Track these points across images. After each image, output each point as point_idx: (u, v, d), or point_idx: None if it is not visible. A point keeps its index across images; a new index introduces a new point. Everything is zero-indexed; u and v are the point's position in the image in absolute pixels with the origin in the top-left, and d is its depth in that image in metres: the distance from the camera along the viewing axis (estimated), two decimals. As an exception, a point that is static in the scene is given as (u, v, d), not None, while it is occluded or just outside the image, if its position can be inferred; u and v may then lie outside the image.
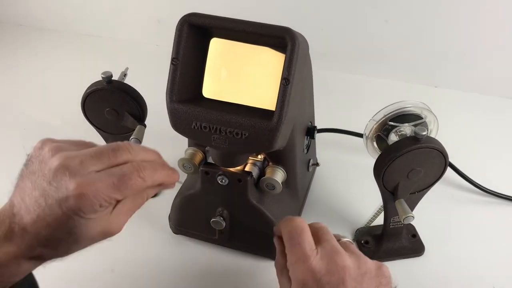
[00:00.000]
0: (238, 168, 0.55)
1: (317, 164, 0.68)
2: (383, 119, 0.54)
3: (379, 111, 0.54)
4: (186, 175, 0.62)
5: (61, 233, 0.38)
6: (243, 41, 0.50)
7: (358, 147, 0.77)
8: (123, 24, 1.15)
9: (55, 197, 0.37)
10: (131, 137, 0.59)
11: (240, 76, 0.51)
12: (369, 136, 0.55)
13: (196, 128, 0.49)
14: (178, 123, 0.50)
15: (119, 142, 0.41)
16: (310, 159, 0.66)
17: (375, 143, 0.56)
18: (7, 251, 0.38)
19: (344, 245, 0.45)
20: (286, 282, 0.44)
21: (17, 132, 0.87)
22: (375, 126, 0.54)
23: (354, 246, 0.46)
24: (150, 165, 0.41)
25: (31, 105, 0.95)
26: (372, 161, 0.53)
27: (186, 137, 0.51)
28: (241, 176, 0.54)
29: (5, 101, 0.97)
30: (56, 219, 0.37)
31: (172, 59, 0.49)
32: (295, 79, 0.46)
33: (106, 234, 0.41)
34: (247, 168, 0.56)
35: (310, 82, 0.58)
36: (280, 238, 0.46)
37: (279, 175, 0.56)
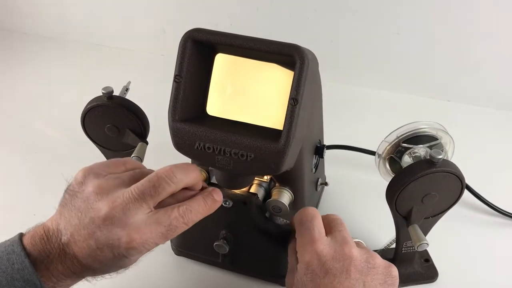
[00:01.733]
0: (243, 189, 0.53)
1: (325, 184, 0.66)
2: (396, 140, 0.51)
3: (391, 132, 0.52)
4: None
5: (112, 268, 0.42)
6: (249, 57, 0.48)
7: (368, 164, 0.74)
8: (128, 34, 1.14)
9: (106, 243, 0.39)
10: (132, 155, 0.57)
11: (246, 93, 0.49)
12: (382, 158, 0.53)
13: (199, 148, 0.47)
14: (181, 143, 0.48)
15: (159, 173, 0.42)
16: (318, 178, 0.64)
17: (387, 165, 0.54)
18: (57, 268, 0.40)
19: (355, 243, 0.45)
20: (294, 262, 0.45)
21: (17, 144, 0.86)
22: (387, 148, 0.52)
23: (365, 245, 0.46)
24: (194, 208, 0.44)
25: (32, 116, 0.94)
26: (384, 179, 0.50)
27: (189, 157, 0.49)
28: (246, 199, 0.52)
29: (5, 111, 0.95)
30: (108, 259, 0.40)
31: (175, 77, 0.47)
32: (303, 99, 0.44)
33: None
34: (252, 190, 0.54)
35: (319, 99, 0.56)
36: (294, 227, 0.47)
37: (285, 197, 0.53)
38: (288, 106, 0.44)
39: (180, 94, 0.47)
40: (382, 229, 0.65)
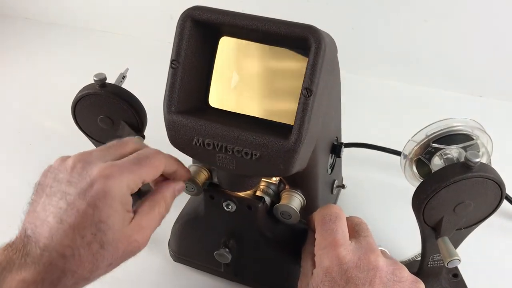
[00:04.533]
0: (248, 192, 0.48)
1: (342, 186, 0.61)
2: (425, 140, 0.46)
3: (420, 130, 0.46)
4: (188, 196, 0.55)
5: (86, 233, 0.36)
6: (258, 41, 0.43)
7: (391, 165, 0.69)
8: (133, 20, 1.10)
9: (77, 190, 0.36)
10: (126, 150, 0.52)
11: (254, 83, 0.44)
12: (408, 159, 0.47)
13: (198, 144, 0.42)
14: (177, 138, 0.43)
15: (123, 139, 0.43)
16: (334, 180, 0.59)
17: (414, 168, 0.48)
18: (23, 278, 0.34)
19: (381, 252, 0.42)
20: (309, 266, 0.42)
21: (9, 135, 0.82)
22: (415, 148, 0.46)
23: (390, 255, 0.43)
24: (161, 153, 0.42)
25: (28, 105, 0.90)
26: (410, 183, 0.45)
27: (187, 154, 0.44)
28: (251, 203, 0.47)
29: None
30: (80, 215, 0.36)
31: (172, 62, 0.42)
32: (319, 89, 0.39)
33: (132, 248, 0.39)
34: (258, 193, 0.49)
35: (337, 91, 0.50)
36: (312, 226, 0.44)
37: (296, 202, 0.48)
38: (300, 98, 0.39)
39: (177, 82, 0.42)
40: (405, 238, 0.59)
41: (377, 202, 0.66)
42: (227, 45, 0.44)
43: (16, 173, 0.75)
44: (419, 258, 0.52)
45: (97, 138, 0.57)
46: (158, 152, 0.42)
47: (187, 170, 0.45)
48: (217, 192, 0.48)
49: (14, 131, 0.83)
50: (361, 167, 0.70)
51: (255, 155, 0.41)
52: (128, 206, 0.39)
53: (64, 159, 0.40)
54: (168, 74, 0.42)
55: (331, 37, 0.41)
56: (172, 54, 0.42)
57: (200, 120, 0.42)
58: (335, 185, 0.59)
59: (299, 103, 0.39)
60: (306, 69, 0.39)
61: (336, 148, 0.53)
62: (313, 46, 0.38)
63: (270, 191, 0.49)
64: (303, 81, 0.39)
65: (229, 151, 0.42)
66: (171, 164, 0.43)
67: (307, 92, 0.39)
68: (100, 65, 0.99)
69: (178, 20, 0.41)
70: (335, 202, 0.64)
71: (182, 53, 0.42)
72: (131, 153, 0.41)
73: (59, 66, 1.03)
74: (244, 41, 0.44)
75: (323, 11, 0.90)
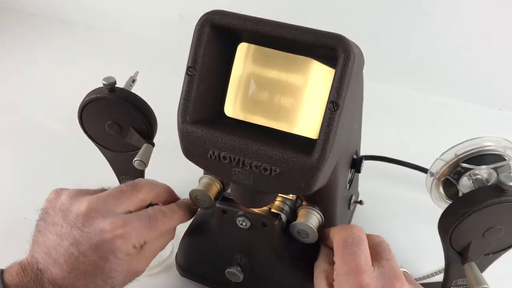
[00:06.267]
0: (263, 208, 0.46)
1: (360, 202, 0.58)
2: (454, 160, 0.43)
3: (449, 149, 0.44)
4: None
5: (98, 280, 0.40)
6: (279, 49, 0.41)
7: (411, 180, 0.67)
8: (141, 19, 1.08)
9: (90, 242, 0.39)
10: (135, 159, 0.50)
11: (274, 92, 0.42)
12: (436, 178, 0.45)
13: (213, 157, 0.41)
14: (191, 149, 0.41)
15: (135, 180, 0.46)
16: (352, 196, 0.57)
17: (441, 188, 0.46)
18: None
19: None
20: (324, 286, 0.41)
21: (10, 137, 0.80)
22: (444, 168, 0.44)
23: (413, 278, 0.42)
24: (169, 209, 0.46)
25: (32, 105, 0.89)
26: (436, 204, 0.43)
27: (200, 167, 0.42)
28: (266, 220, 0.45)
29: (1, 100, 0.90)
30: (92, 266, 0.39)
31: (188, 69, 0.40)
32: (345, 103, 0.37)
33: (134, 275, 0.44)
34: (274, 209, 0.47)
35: (360, 104, 0.48)
36: (327, 242, 0.44)
37: (314, 220, 0.46)
38: (325, 111, 0.37)
39: (193, 90, 0.40)
40: (425, 258, 0.57)
41: (395, 218, 0.64)
42: (246, 52, 0.42)
43: (18, 175, 0.73)
44: (439, 274, 0.50)
45: (104, 144, 0.55)
46: (172, 211, 0.45)
47: (189, 216, 0.48)
48: (230, 207, 0.46)
49: (16, 131, 0.81)
50: (378, 181, 0.68)
51: (275, 171, 0.39)
52: (135, 250, 0.42)
53: (75, 195, 0.42)
54: (184, 82, 0.41)
55: (359, 48, 0.39)
56: (188, 61, 0.40)
57: (216, 132, 0.40)
58: (352, 201, 0.57)
59: (324, 117, 0.37)
60: (333, 81, 0.37)
61: (356, 163, 0.51)
62: (341, 57, 0.36)
63: (286, 207, 0.47)
64: (329, 94, 0.37)
65: (246, 166, 0.40)
66: (175, 222, 0.46)
67: (333, 106, 0.37)
68: (106, 64, 0.99)
69: (196, 25, 0.39)
70: (351, 218, 0.62)
71: (199, 60, 0.40)
72: (143, 200, 0.45)
73: (64, 64, 1.01)
74: (264, 48, 0.42)
75: (340, 16, 0.88)
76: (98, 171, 0.59)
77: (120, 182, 0.61)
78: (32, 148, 0.78)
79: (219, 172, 0.41)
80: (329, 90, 0.37)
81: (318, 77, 0.40)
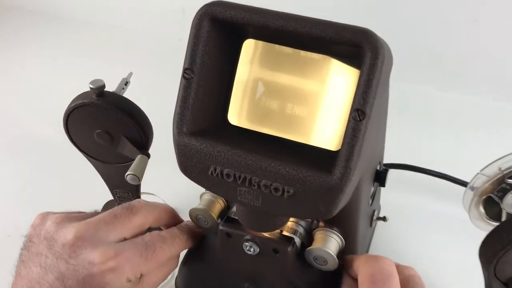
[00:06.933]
0: (274, 231, 0.40)
1: (383, 219, 0.53)
2: (499, 175, 0.38)
3: (492, 163, 0.39)
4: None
5: None
6: (292, 46, 0.36)
7: (437, 189, 0.61)
8: (140, 14, 1.03)
9: (77, 276, 0.36)
10: (127, 173, 0.45)
11: (286, 97, 0.37)
12: (477, 196, 0.39)
13: (215, 175, 0.35)
14: (189, 165, 0.36)
15: (131, 202, 0.42)
16: (374, 211, 0.51)
17: (481, 207, 0.40)
18: None
19: None
20: None
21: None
22: (487, 185, 0.38)
23: None
24: (169, 235, 0.41)
25: (21, 109, 0.84)
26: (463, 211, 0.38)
27: (200, 185, 0.37)
28: (278, 246, 0.40)
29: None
30: None
31: (185, 71, 0.35)
32: (373, 111, 0.31)
33: None
34: (286, 231, 0.41)
35: (386, 109, 0.43)
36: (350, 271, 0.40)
37: (333, 244, 0.41)
38: (349, 121, 0.31)
39: (191, 95, 0.35)
40: (457, 280, 0.52)
41: (422, 235, 0.58)
42: (252, 50, 0.37)
43: (3, 187, 0.68)
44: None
45: (93, 155, 0.50)
46: (173, 236, 0.41)
47: (194, 241, 0.45)
48: (235, 230, 0.41)
49: (4, 138, 0.77)
50: (401, 192, 0.62)
51: (288, 191, 0.33)
52: (130, 284, 0.38)
53: (62, 220, 0.39)
54: (180, 86, 0.35)
55: (387, 45, 0.34)
56: (185, 62, 0.35)
57: (218, 145, 0.35)
58: (374, 217, 0.51)
59: (347, 128, 0.31)
60: (358, 85, 0.31)
61: (380, 175, 0.45)
62: (368, 56, 0.30)
63: (301, 229, 0.42)
64: (354, 99, 0.31)
65: (254, 185, 0.34)
66: (177, 249, 0.42)
67: (358, 115, 0.31)
68: (102, 63, 0.94)
69: (194, 19, 0.34)
70: (372, 236, 0.56)
71: (197, 60, 0.35)
72: (141, 225, 0.40)
73: (57, 64, 0.96)
74: (274, 46, 0.36)
75: (353, 7, 0.82)
76: (92, 183, 0.55)
77: (114, 196, 0.56)
78: (20, 156, 0.74)
79: (221, 192, 0.36)
80: (351, 95, 0.32)
81: (339, 79, 0.35)
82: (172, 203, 0.62)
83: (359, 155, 0.32)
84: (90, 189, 0.58)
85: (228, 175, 0.35)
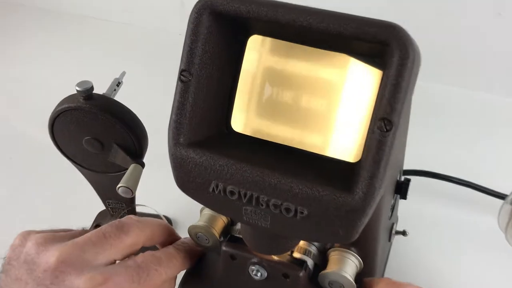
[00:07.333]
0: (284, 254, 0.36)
1: (403, 233, 0.49)
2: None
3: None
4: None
5: None
6: (304, 43, 0.31)
7: (464, 199, 0.57)
8: (138, 7, 0.99)
9: None
10: (119, 185, 0.41)
11: (297, 99, 0.33)
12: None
13: (217, 192, 0.32)
14: (187, 181, 0.32)
15: (121, 219, 0.38)
16: (393, 224, 0.47)
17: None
18: None
19: None
20: None
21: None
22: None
23: None
24: (165, 255, 0.38)
25: (8, 108, 0.80)
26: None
27: (200, 203, 0.33)
28: (288, 270, 0.36)
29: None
30: None
31: (181, 73, 0.31)
32: (401, 120, 0.27)
33: None
34: (297, 252, 0.37)
35: (409, 111, 0.38)
36: None
37: (350, 267, 0.37)
38: (373, 132, 0.27)
39: (189, 101, 0.31)
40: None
41: (446, 249, 0.54)
42: (258, 48, 0.33)
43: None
44: None
45: (82, 164, 0.47)
46: (169, 257, 0.38)
47: (191, 261, 0.41)
48: (241, 251, 0.37)
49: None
50: (422, 202, 0.57)
51: (301, 212, 0.29)
52: None
53: (45, 241, 0.35)
54: (176, 90, 0.31)
55: (416, 43, 0.29)
56: (181, 62, 0.31)
57: (221, 158, 0.31)
58: (393, 231, 0.47)
59: (370, 140, 0.27)
60: (384, 89, 0.27)
61: (401, 187, 0.41)
62: (396, 55, 0.26)
63: (313, 249, 0.38)
64: (379, 106, 0.27)
65: (261, 204, 0.30)
66: (174, 271, 0.39)
67: (384, 125, 0.27)
68: (95, 59, 0.90)
69: (191, 13, 0.30)
70: (389, 250, 0.52)
71: (196, 60, 0.31)
72: (133, 245, 0.37)
73: (46, 60, 0.92)
74: (284, 42, 0.32)
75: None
76: (84, 189, 0.51)
77: (106, 207, 0.52)
78: (6, 161, 0.70)
79: (225, 211, 0.33)
80: (373, 99, 0.29)
81: (358, 80, 0.31)
82: (170, 214, 0.59)
83: (385, 170, 0.27)
84: (83, 196, 0.54)
85: (232, 193, 0.31)
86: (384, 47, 0.27)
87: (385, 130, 0.27)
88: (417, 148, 0.59)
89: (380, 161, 0.27)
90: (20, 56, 0.94)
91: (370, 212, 0.28)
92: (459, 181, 0.56)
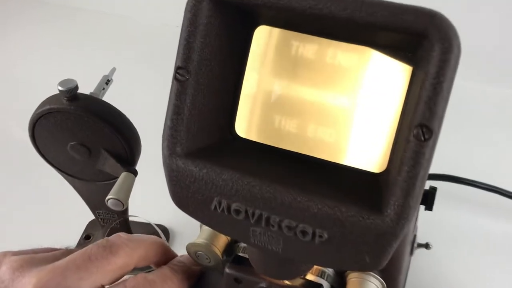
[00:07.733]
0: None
1: (426, 246, 0.45)
2: None
3: None
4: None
5: None
6: (320, 34, 0.27)
7: (490, 205, 0.54)
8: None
9: None
10: (108, 197, 0.37)
11: (310, 101, 0.29)
12: None
13: (220, 210, 0.28)
14: (185, 197, 0.28)
15: (109, 238, 0.34)
16: (415, 236, 0.43)
17: None
18: None
19: None
20: None
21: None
22: None
23: None
24: (159, 277, 0.34)
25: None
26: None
27: (201, 222, 0.29)
28: (302, 296, 0.31)
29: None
30: None
31: (177, 71, 0.27)
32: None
33: None
34: (311, 276, 0.33)
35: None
36: None
37: (373, 290, 0.32)
38: (408, 141, 0.23)
39: (187, 103, 0.27)
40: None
41: (470, 259, 0.51)
42: (266, 40, 0.29)
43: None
44: None
45: (68, 172, 0.43)
46: (164, 279, 0.34)
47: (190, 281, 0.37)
48: (246, 274, 0.33)
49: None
50: (444, 209, 0.53)
51: (320, 236, 0.25)
52: None
53: (21, 265, 0.32)
54: (171, 91, 0.27)
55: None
56: (177, 58, 0.27)
57: (224, 170, 0.27)
58: (415, 244, 0.43)
59: (405, 151, 0.23)
60: (422, 90, 0.23)
61: (428, 198, 0.37)
62: (437, 50, 0.22)
63: (329, 271, 0.34)
64: (415, 110, 0.23)
65: (272, 225, 0.26)
66: None
67: (422, 133, 0.23)
68: (87, 54, 0.86)
69: (188, 0, 0.26)
70: (409, 264, 0.48)
71: (194, 56, 0.26)
72: (123, 266, 0.33)
73: (35, 54, 0.88)
74: (296, 34, 0.28)
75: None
76: (73, 196, 0.47)
77: (96, 217, 0.48)
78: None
79: (229, 231, 0.29)
80: (401, 99, 0.25)
81: (384, 77, 0.27)
82: (166, 223, 0.55)
83: (422, 186, 0.23)
84: (72, 203, 0.50)
85: (237, 211, 0.27)
86: (419, 39, 0.23)
87: (423, 139, 0.23)
88: (436, 150, 0.55)
89: (417, 176, 0.23)
90: (3, 49, 0.90)
91: (402, 236, 0.24)
92: (485, 186, 0.52)
